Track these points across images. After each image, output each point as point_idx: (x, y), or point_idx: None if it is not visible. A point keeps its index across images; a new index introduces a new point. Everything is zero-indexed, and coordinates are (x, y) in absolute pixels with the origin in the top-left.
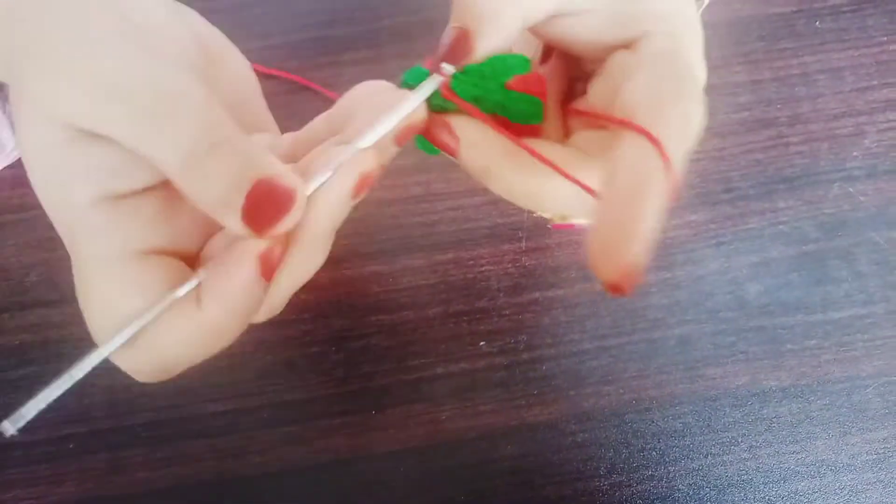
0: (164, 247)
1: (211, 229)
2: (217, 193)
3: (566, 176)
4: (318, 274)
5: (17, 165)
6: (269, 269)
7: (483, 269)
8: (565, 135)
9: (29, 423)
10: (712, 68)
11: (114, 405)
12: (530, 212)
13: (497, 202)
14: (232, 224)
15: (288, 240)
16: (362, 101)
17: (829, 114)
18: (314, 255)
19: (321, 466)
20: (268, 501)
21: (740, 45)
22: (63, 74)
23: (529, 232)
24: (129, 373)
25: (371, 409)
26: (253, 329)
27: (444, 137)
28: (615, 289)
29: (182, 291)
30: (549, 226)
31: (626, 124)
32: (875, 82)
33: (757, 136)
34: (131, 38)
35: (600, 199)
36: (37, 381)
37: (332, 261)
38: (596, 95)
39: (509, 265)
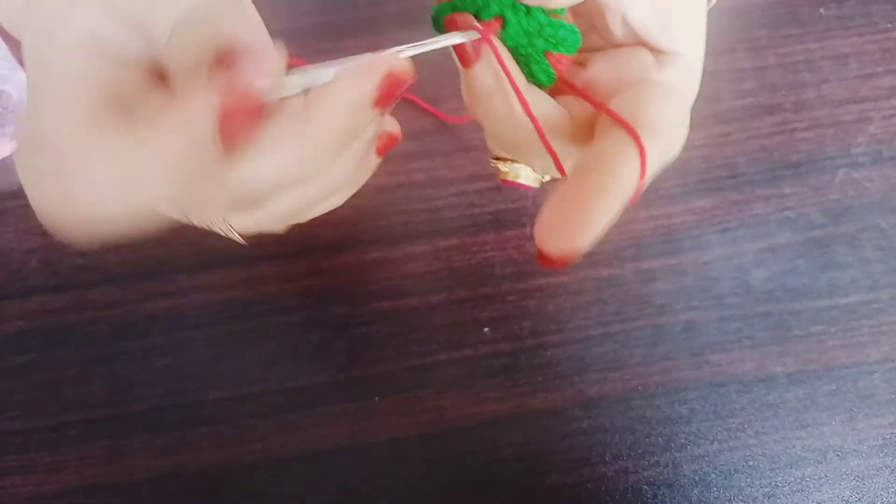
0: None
1: None
2: (192, 52)
3: (546, 146)
4: (320, 260)
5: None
6: (230, 123)
7: (487, 255)
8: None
9: (29, 410)
10: (717, 54)
11: (113, 393)
12: (493, 159)
13: (501, 188)
14: (202, 81)
15: (261, 110)
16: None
17: (834, 100)
18: (310, 148)
19: (323, 454)
20: (269, 489)
21: (745, 31)
22: None
23: (534, 218)
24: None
25: (373, 396)
26: (253, 316)
27: (469, 48)
28: (549, 263)
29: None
30: (499, 179)
31: (622, 122)
32: (880, 69)
33: (762, 122)
34: None
35: (569, 178)
36: (36, 369)
37: (334, 247)
38: (599, 71)
39: (513, 251)
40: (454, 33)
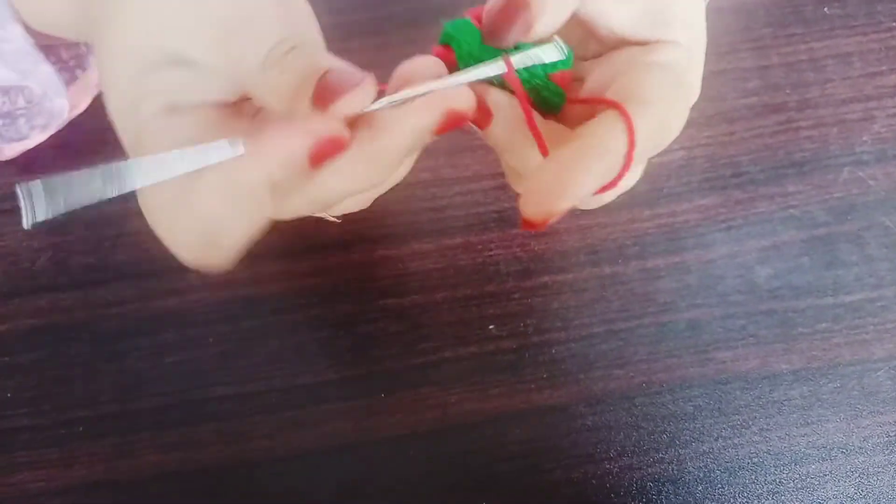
0: None
1: None
2: (292, 83)
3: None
4: (326, 258)
5: (27, 151)
6: (320, 152)
7: (492, 253)
8: None
9: (38, 406)
10: (720, 54)
11: (122, 389)
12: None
13: (506, 187)
14: (302, 110)
15: (346, 142)
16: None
17: (839, 99)
18: (376, 167)
19: (329, 451)
20: (274, 486)
21: (748, 30)
22: (154, 7)
23: None
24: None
25: (379, 393)
26: (260, 314)
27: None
28: (530, 226)
29: (221, 148)
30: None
31: (605, 102)
32: (884, 67)
33: (766, 120)
34: None
35: (558, 148)
36: (46, 366)
37: (340, 245)
38: (595, 79)
39: (518, 249)
40: (492, 63)
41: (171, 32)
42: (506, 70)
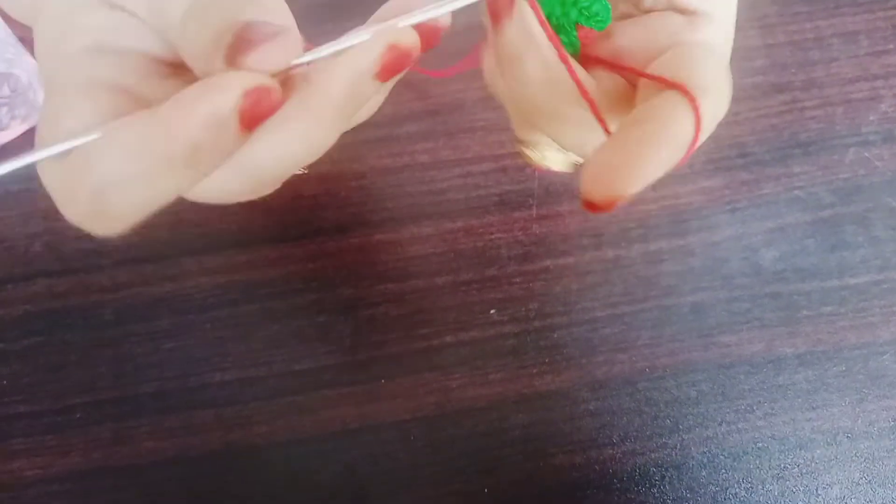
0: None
1: None
2: (209, 38)
3: (592, 107)
4: (325, 242)
5: (18, 139)
6: (251, 109)
7: (493, 237)
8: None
9: (35, 393)
10: None
11: (120, 375)
12: (519, 143)
13: (507, 169)
14: (219, 65)
15: (278, 97)
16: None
17: (844, 78)
18: (317, 124)
19: (329, 436)
20: (275, 471)
21: (754, 9)
22: None
23: (540, 199)
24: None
25: (380, 378)
26: (258, 299)
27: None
28: (594, 208)
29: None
30: (529, 165)
31: (671, 83)
32: (891, 46)
33: (772, 100)
34: None
35: (619, 128)
36: (41, 353)
37: (339, 229)
38: (628, 40)
39: (519, 233)
40: None
41: None
42: None
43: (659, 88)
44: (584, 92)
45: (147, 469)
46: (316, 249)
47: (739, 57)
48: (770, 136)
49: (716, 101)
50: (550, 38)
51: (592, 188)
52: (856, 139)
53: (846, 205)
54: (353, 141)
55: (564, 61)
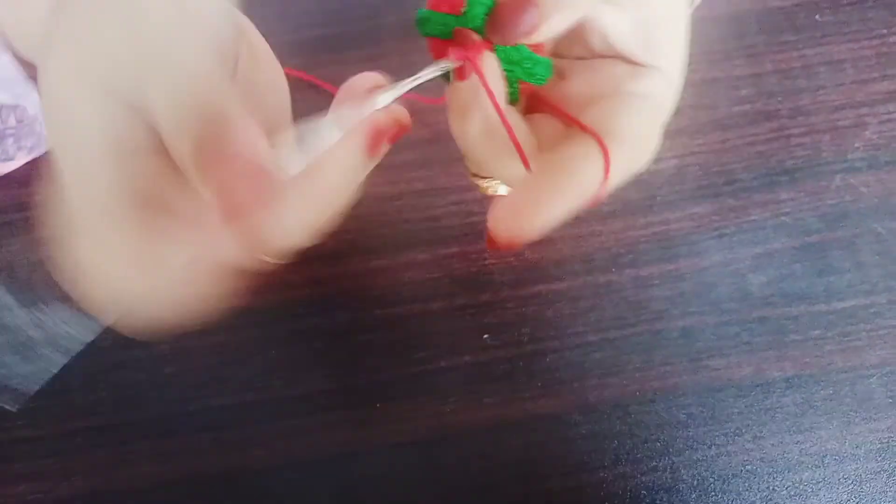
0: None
1: None
2: (186, 149)
3: (522, 158)
4: (322, 268)
5: (23, 167)
6: (240, 208)
7: (487, 262)
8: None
9: (37, 417)
10: (714, 61)
11: (121, 400)
12: (473, 177)
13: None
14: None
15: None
16: (359, 86)
17: (831, 106)
18: (324, 209)
19: (326, 460)
20: (273, 494)
21: (741, 38)
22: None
23: None
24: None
25: (375, 402)
26: (257, 325)
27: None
28: (496, 247)
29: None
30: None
31: (587, 129)
32: (876, 74)
33: (759, 128)
34: (176, 15)
35: (532, 173)
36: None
37: (336, 255)
38: (577, 85)
39: (512, 258)
40: (443, 62)
41: (116, 65)
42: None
43: (579, 134)
44: (517, 145)
45: (148, 492)
46: (314, 275)
47: (727, 86)
48: (757, 162)
49: (632, 150)
50: (493, 102)
51: (496, 228)
52: (842, 166)
53: (833, 230)
54: None
55: (504, 122)
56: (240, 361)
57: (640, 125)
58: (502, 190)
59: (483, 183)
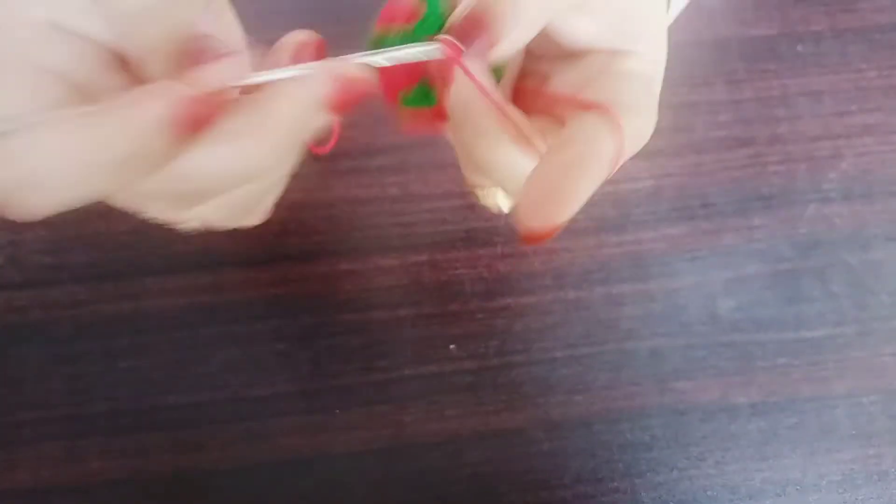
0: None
1: None
2: (159, 39)
3: (526, 144)
4: (289, 269)
5: None
6: (190, 115)
7: (457, 272)
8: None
9: None
10: (694, 85)
11: (73, 392)
12: (471, 185)
13: (475, 206)
14: (162, 68)
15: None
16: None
17: (808, 136)
18: (260, 144)
19: (281, 465)
20: (225, 497)
21: (722, 64)
22: None
23: (506, 238)
24: None
25: (335, 408)
26: (218, 322)
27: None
28: (532, 239)
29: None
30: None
31: (592, 105)
32: (853, 107)
33: (735, 154)
34: None
35: (545, 156)
36: None
37: (304, 256)
38: (562, 82)
39: (483, 269)
40: (425, 45)
41: None
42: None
43: (582, 111)
44: (519, 128)
45: (95, 489)
46: (280, 275)
47: (706, 110)
48: (732, 188)
49: (638, 118)
50: (488, 98)
51: (530, 219)
52: (816, 195)
53: (805, 259)
54: (325, 170)
55: (499, 107)
56: (198, 359)
57: (636, 94)
58: (501, 199)
59: (481, 192)
